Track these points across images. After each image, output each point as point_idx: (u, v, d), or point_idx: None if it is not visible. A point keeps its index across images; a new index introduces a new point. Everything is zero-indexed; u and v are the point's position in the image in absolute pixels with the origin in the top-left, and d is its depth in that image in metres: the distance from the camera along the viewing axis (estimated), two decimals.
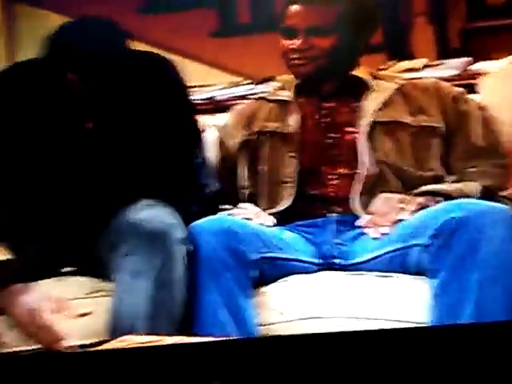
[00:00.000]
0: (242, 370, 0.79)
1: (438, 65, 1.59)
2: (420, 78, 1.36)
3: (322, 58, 1.21)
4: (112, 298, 1.06)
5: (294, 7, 1.21)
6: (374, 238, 1.14)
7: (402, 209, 1.14)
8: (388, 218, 1.14)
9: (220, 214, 1.14)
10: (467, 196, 1.13)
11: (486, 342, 0.81)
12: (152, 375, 0.80)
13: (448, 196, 1.14)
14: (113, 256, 1.07)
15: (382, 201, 1.17)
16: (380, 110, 1.22)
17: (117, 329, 1.03)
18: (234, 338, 1.01)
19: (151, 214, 1.06)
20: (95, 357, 0.86)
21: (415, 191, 1.16)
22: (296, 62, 1.22)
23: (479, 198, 1.11)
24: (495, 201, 1.12)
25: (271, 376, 0.79)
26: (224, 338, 0.96)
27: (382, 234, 1.13)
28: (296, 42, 1.20)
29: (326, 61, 1.21)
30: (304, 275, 1.13)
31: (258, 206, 1.21)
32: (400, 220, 1.13)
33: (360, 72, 1.26)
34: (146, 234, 1.03)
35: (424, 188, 1.16)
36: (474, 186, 1.16)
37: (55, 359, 0.86)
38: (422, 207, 1.13)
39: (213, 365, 0.80)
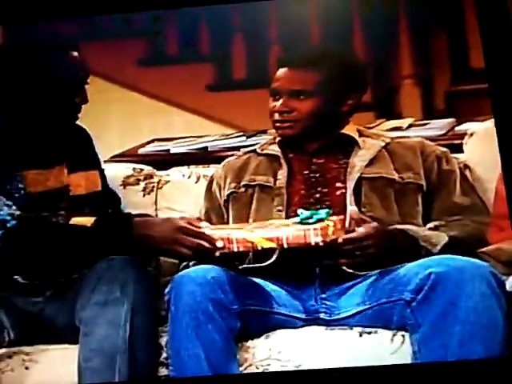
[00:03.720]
0: None
1: (423, 124, 1.66)
2: (406, 137, 1.42)
3: (302, 122, 1.26)
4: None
5: (282, 70, 1.28)
6: (358, 292, 1.17)
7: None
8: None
9: (206, 265, 1.15)
10: (431, 244, 1.17)
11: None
12: None
13: (414, 239, 1.17)
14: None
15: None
16: (367, 166, 1.27)
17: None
18: (211, 376, 1.02)
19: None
20: None
21: (390, 227, 1.18)
22: (278, 124, 1.28)
23: (458, 254, 1.14)
24: (475, 257, 1.15)
25: None
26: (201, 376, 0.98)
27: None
28: (278, 105, 1.27)
29: (308, 123, 1.26)
30: (288, 330, 1.15)
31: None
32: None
33: (348, 129, 1.32)
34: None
35: (398, 226, 1.19)
36: (441, 237, 1.19)
37: None
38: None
39: None
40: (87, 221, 1.16)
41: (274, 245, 1.10)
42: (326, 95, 1.26)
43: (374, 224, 1.16)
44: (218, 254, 1.12)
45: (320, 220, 1.12)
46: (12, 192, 1.21)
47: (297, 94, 1.26)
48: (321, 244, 1.09)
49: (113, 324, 1.12)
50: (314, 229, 1.09)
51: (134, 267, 1.16)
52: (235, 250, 1.11)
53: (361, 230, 1.14)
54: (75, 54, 1.27)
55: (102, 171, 1.37)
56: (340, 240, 1.12)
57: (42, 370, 1.17)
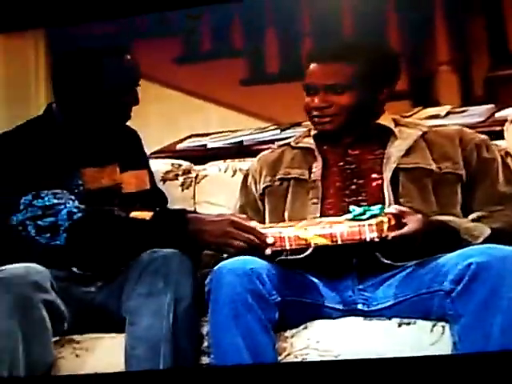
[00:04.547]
0: None
1: (461, 112, 1.63)
2: (444, 125, 1.40)
3: (341, 115, 1.26)
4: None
5: (314, 65, 1.27)
6: (396, 283, 1.16)
7: None
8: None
9: (245, 256, 1.17)
10: (473, 237, 1.15)
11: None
12: None
13: (456, 232, 1.15)
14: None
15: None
16: (404, 156, 1.25)
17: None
18: (251, 364, 1.04)
19: None
20: None
21: (431, 218, 1.17)
22: (316, 119, 1.27)
23: (498, 243, 1.12)
24: None
25: None
26: (241, 365, 1.01)
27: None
28: (316, 100, 1.26)
29: (346, 117, 1.26)
30: (326, 320, 1.16)
31: (281, 251, 1.22)
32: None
33: (384, 119, 1.31)
34: None
35: (439, 217, 1.17)
36: (483, 229, 1.17)
37: None
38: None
39: None
40: (146, 214, 1.22)
41: (327, 241, 1.10)
42: (361, 87, 1.25)
43: (419, 216, 1.14)
44: (269, 251, 1.13)
45: (373, 216, 1.11)
46: (72, 188, 1.27)
47: (333, 89, 1.25)
48: (376, 240, 1.08)
49: (156, 314, 1.16)
50: (369, 224, 1.09)
51: (176, 260, 1.19)
52: (287, 247, 1.12)
53: (410, 226, 1.12)
54: (128, 57, 1.32)
55: (150, 171, 1.43)
56: (389, 237, 1.11)
57: (91, 357, 1.22)
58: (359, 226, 1.09)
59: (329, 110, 1.26)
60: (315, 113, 1.27)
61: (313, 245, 1.11)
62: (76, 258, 1.25)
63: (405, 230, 1.12)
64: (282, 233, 1.12)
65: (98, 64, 1.29)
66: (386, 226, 1.10)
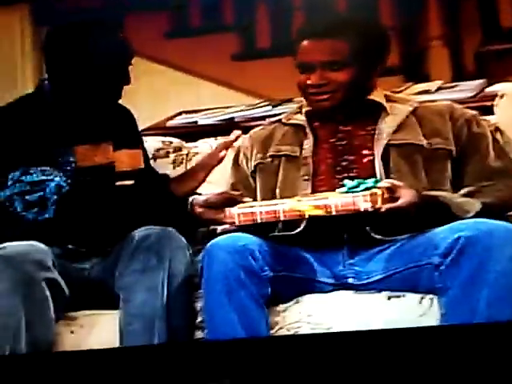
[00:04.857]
0: (251, 369, 0.85)
1: (452, 87, 1.63)
2: (434, 101, 1.40)
3: (339, 92, 1.25)
4: None
5: (307, 42, 1.26)
6: (387, 257, 1.18)
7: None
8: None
9: (237, 233, 1.18)
10: (464, 212, 1.16)
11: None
12: (168, 372, 0.86)
13: (447, 207, 1.16)
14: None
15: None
16: (395, 132, 1.26)
17: None
18: (244, 338, 1.07)
19: None
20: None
21: (422, 193, 1.18)
22: (314, 97, 1.26)
23: (488, 217, 1.13)
24: (506, 221, 1.15)
25: (278, 375, 0.84)
26: (234, 339, 1.03)
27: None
28: (313, 78, 1.25)
29: (343, 94, 1.25)
30: (317, 294, 1.18)
31: (272, 228, 1.24)
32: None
33: (375, 95, 1.30)
34: None
35: (430, 192, 1.18)
36: (474, 204, 1.18)
37: None
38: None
39: (224, 364, 0.86)
40: (129, 182, 1.24)
41: (322, 212, 1.10)
42: (357, 64, 1.25)
43: (413, 191, 1.15)
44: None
45: (367, 189, 1.11)
46: (64, 165, 1.27)
47: (330, 66, 1.24)
48: (370, 210, 1.09)
49: (151, 290, 1.17)
50: (363, 195, 1.09)
51: (170, 236, 1.21)
52: (282, 218, 1.13)
53: (403, 200, 1.13)
54: (121, 34, 1.31)
55: (144, 150, 1.42)
56: (383, 209, 1.12)
57: (86, 334, 1.24)
58: (353, 196, 1.10)
59: (326, 87, 1.25)
60: (312, 90, 1.26)
61: (307, 216, 1.11)
62: (66, 230, 1.25)
63: (398, 203, 1.13)
64: (276, 204, 1.13)
65: (90, 40, 1.27)
66: (379, 198, 1.11)
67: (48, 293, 1.17)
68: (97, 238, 1.26)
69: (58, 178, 1.23)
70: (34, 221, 1.22)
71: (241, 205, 1.16)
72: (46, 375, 1.06)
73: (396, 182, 1.16)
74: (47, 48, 1.32)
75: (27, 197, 1.21)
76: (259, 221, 1.13)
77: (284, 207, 1.12)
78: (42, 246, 1.21)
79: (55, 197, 1.21)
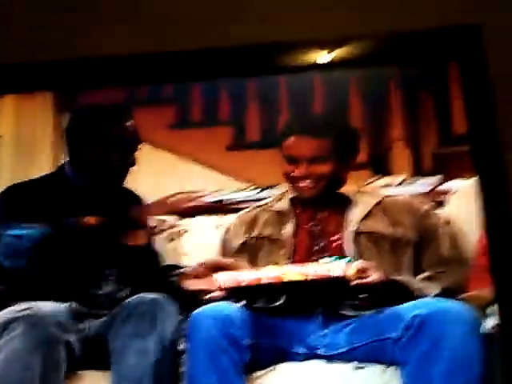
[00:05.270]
0: None
1: (412, 182, 1.75)
2: (397, 195, 1.49)
3: (321, 181, 1.36)
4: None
5: (295, 138, 1.35)
6: (353, 330, 1.23)
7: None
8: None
9: (221, 303, 1.23)
10: (424, 295, 1.23)
11: None
12: None
13: (408, 290, 1.24)
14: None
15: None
16: (363, 220, 1.35)
17: None
18: None
19: None
20: None
21: (389, 277, 1.25)
22: (300, 185, 1.36)
23: (446, 298, 1.20)
24: (457, 300, 1.21)
25: None
26: None
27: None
28: (299, 170, 1.34)
29: (325, 183, 1.36)
30: (292, 363, 1.21)
31: (255, 301, 1.29)
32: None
33: (346, 187, 1.41)
34: None
35: (393, 277, 1.26)
36: (433, 289, 1.26)
37: None
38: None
39: None
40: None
41: (300, 278, 1.18)
42: (336, 158, 1.35)
43: (381, 272, 1.22)
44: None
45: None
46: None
47: (316, 160, 1.34)
48: (342, 276, 1.16)
49: (141, 354, 1.20)
50: (338, 263, 1.18)
51: (161, 304, 1.25)
52: (264, 282, 1.19)
53: (373, 278, 1.20)
54: (133, 122, 1.39)
55: (148, 229, 1.46)
56: (353, 283, 1.18)
57: None
58: (329, 264, 1.19)
59: (311, 177, 1.35)
60: (298, 180, 1.36)
61: (286, 280, 1.18)
62: (39, 278, 1.25)
63: (369, 279, 1.20)
64: (258, 270, 1.20)
65: (109, 123, 1.35)
66: (352, 272, 1.19)
67: (63, 353, 1.19)
68: (68, 282, 1.27)
69: (30, 230, 1.23)
70: (10, 268, 1.23)
71: (226, 271, 1.23)
72: None
73: (368, 263, 1.24)
74: (70, 131, 1.37)
75: (7, 249, 1.22)
76: (243, 284, 1.20)
77: (267, 274, 1.19)
78: (61, 306, 1.23)
79: (28, 245, 1.21)
